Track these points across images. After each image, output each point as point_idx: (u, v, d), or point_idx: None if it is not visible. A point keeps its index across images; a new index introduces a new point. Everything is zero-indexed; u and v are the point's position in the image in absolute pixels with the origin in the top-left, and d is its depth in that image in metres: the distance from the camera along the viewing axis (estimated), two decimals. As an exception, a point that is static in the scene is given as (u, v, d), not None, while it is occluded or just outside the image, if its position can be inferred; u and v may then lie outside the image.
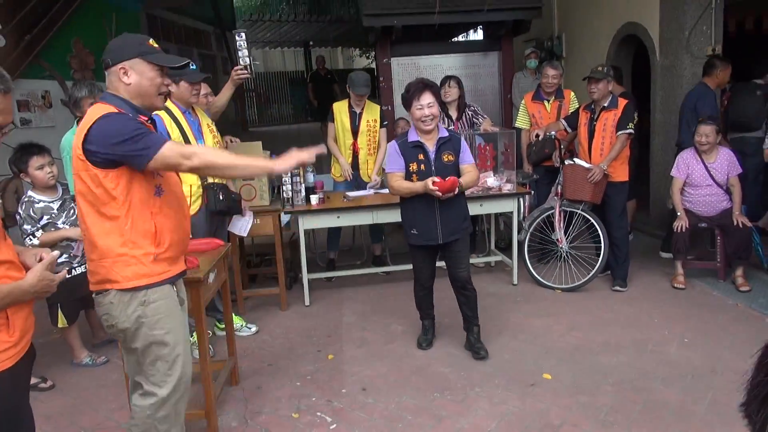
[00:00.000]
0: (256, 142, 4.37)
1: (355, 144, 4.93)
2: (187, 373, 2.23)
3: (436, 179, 3.21)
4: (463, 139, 3.49)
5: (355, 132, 4.90)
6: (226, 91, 4.10)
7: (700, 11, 5.20)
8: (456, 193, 3.27)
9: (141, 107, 2.13)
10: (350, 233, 5.92)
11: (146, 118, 2.13)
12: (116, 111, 2.01)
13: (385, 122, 5.04)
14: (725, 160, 4.40)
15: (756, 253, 4.45)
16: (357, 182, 5.02)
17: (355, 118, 4.90)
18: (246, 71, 3.80)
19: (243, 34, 3.80)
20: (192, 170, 2.13)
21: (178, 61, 2.21)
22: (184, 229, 2.24)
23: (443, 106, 4.83)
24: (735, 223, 4.29)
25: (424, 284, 3.62)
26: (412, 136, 3.42)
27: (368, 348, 3.72)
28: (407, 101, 3.34)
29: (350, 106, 4.92)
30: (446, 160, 3.36)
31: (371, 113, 4.93)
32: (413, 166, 3.38)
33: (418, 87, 3.30)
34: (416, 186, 3.30)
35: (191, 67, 3.48)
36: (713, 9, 5.19)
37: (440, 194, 3.21)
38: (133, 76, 2.08)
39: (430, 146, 3.39)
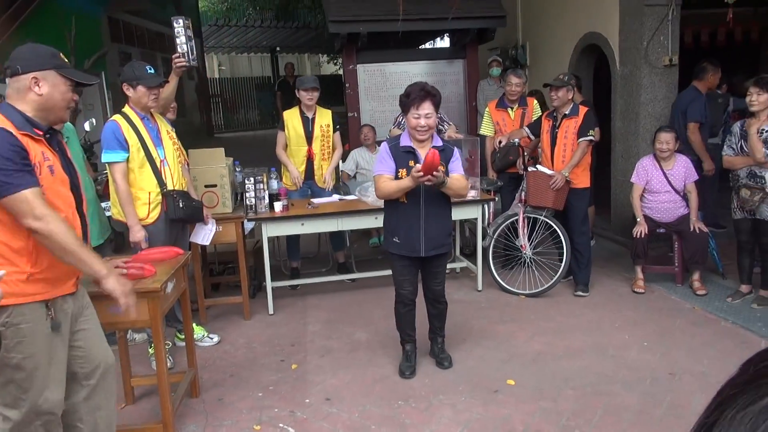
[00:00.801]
0: (219, 148, 4.31)
1: (309, 150, 4.87)
2: (50, 399, 2.08)
3: (419, 165, 2.98)
4: (457, 151, 3.28)
5: (309, 138, 4.84)
6: (171, 82, 3.85)
7: (657, 23, 5.34)
8: (442, 181, 3.01)
9: (41, 120, 2.06)
10: (315, 241, 5.87)
11: (42, 132, 2.05)
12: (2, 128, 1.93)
13: (338, 127, 4.97)
14: (682, 167, 4.51)
15: (712, 257, 4.57)
16: (312, 189, 4.99)
17: (308, 124, 4.84)
18: (183, 59, 3.59)
19: (181, 21, 3.57)
20: (31, 230, 1.96)
21: (90, 79, 2.19)
22: None
23: None
24: (692, 228, 4.40)
25: (405, 299, 3.35)
26: (405, 141, 3.21)
27: (332, 357, 3.68)
28: (405, 106, 3.16)
29: (302, 112, 4.86)
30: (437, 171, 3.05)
31: (324, 118, 4.88)
32: (402, 173, 3.15)
33: (419, 94, 3.09)
34: (404, 181, 3.06)
35: (149, 71, 3.41)
36: (670, 21, 5.34)
37: (426, 177, 2.93)
38: (45, 88, 2.03)
39: (423, 154, 3.14)
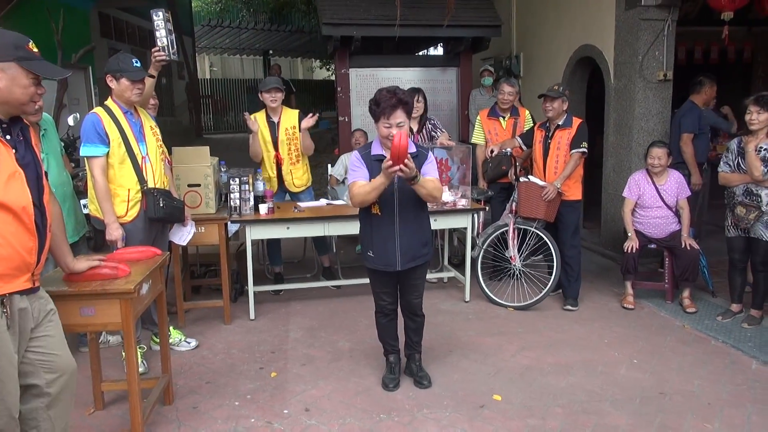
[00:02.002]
0: (204, 147, 4.19)
1: (277, 156, 4.73)
2: (7, 400, 1.94)
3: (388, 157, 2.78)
4: (431, 154, 3.11)
5: (275, 142, 4.69)
6: (149, 78, 3.72)
7: (653, 37, 5.32)
8: (414, 175, 2.80)
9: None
10: (300, 245, 5.76)
11: None
12: None
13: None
14: (675, 182, 4.46)
15: (702, 275, 4.52)
16: (284, 196, 4.87)
17: (274, 129, 4.69)
18: (163, 53, 3.46)
19: (160, 13, 3.44)
20: None
21: (59, 73, 2.05)
22: (21, 242, 1.96)
23: None
24: (683, 245, 4.34)
25: (385, 310, 3.24)
26: (376, 149, 3.03)
27: (314, 366, 3.56)
28: (375, 114, 2.95)
29: (268, 116, 4.71)
30: (410, 183, 2.89)
31: (289, 120, 4.71)
32: None
33: (390, 103, 2.87)
34: (377, 180, 2.87)
35: (135, 64, 3.29)
36: (665, 36, 5.31)
37: (397, 167, 2.72)
38: (3, 81, 1.90)
39: None
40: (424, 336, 3.41)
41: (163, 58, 3.47)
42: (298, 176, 4.81)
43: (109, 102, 3.33)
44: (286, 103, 6.20)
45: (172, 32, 3.49)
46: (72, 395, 2.23)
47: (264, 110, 4.74)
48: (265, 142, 4.70)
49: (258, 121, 4.69)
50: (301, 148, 4.75)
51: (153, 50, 3.48)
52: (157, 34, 3.46)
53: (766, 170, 3.81)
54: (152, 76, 3.54)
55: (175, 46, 3.53)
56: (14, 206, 1.93)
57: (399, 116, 2.89)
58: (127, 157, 3.29)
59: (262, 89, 4.67)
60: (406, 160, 2.72)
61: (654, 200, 4.45)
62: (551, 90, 4.33)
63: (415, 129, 4.85)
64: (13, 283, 1.96)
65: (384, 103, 2.89)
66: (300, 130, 4.68)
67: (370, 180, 2.97)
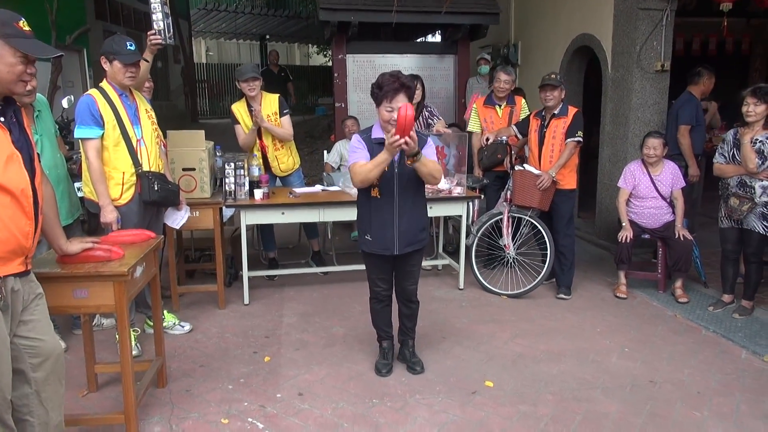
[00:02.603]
0: (199, 131, 4.17)
1: (261, 143, 4.70)
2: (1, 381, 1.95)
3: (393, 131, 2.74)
4: (430, 139, 3.11)
5: (258, 131, 4.64)
6: (143, 62, 3.72)
7: (651, 27, 5.30)
8: (417, 151, 2.81)
9: None
10: (295, 231, 5.75)
11: None
12: None
13: (286, 110, 4.68)
14: (669, 173, 4.47)
15: (695, 266, 4.54)
16: (274, 181, 4.86)
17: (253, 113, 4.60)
18: (159, 37, 3.40)
19: None
20: None
21: (49, 52, 2.01)
22: (19, 226, 1.96)
23: None
24: (677, 235, 4.36)
25: (380, 296, 3.26)
26: (377, 133, 3.04)
27: (307, 351, 3.57)
28: (378, 98, 2.95)
29: (248, 105, 4.63)
30: (410, 163, 2.90)
31: (270, 106, 4.64)
32: None
33: (392, 87, 2.87)
34: (380, 156, 2.85)
35: (129, 47, 3.25)
36: (664, 26, 5.30)
37: (402, 139, 2.71)
38: None
39: None
40: (417, 323, 3.42)
41: (159, 41, 3.42)
42: (284, 161, 4.79)
43: (104, 84, 3.30)
44: (284, 91, 6.11)
45: (169, 15, 3.44)
46: (60, 378, 2.23)
47: (243, 99, 4.67)
48: (249, 131, 4.64)
49: (240, 110, 4.64)
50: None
51: (149, 33, 3.43)
52: (154, 17, 3.41)
53: (760, 162, 3.82)
54: (146, 60, 3.50)
55: (172, 30, 3.48)
56: (13, 189, 1.92)
57: (401, 100, 2.88)
58: (121, 140, 3.26)
59: (239, 79, 4.56)
60: (411, 132, 2.72)
61: (649, 190, 4.46)
62: (550, 79, 4.31)
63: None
64: (8, 266, 1.96)
65: (387, 87, 2.89)
66: (281, 116, 4.63)
67: (370, 158, 2.96)
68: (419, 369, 3.29)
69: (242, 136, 4.65)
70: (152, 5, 3.40)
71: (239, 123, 4.64)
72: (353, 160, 3.01)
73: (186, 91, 15.55)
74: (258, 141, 4.69)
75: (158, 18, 3.40)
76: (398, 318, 3.39)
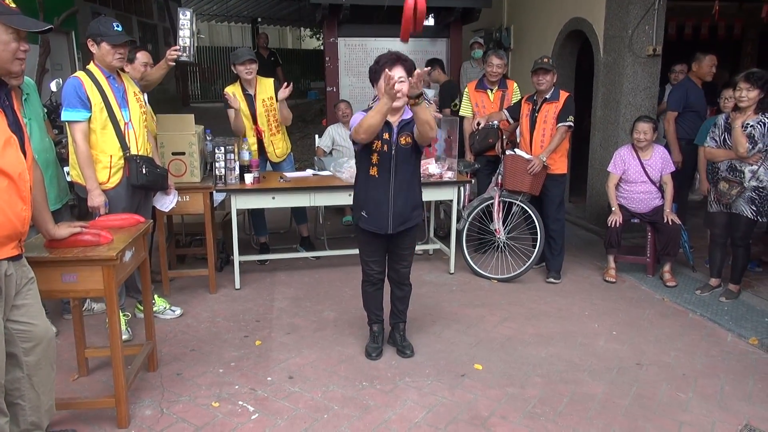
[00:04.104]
0: (189, 114, 4.14)
1: (257, 128, 4.69)
2: None
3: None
4: (426, 91, 3.24)
5: (253, 116, 4.64)
6: (159, 70, 3.84)
7: (643, 11, 5.28)
8: (419, 92, 2.80)
9: None
10: (286, 216, 5.75)
11: None
12: None
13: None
14: (659, 157, 4.48)
15: (683, 250, 4.58)
16: (266, 165, 4.84)
17: (251, 102, 4.62)
18: (183, 53, 3.44)
19: (188, 13, 3.45)
20: None
21: (39, 26, 1.99)
22: (15, 211, 1.96)
23: None
24: (665, 220, 4.38)
25: (372, 279, 3.28)
26: None
27: (298, 335, 3.59)
28: (376, 73, 2.96)
29: (243, 89, 4.62)
30: (404, 142, 3.02)
31: (265, 91, 4.63)
32: (377, 144, 3.01)
33: (390, 58, 2.92)
34: (381, 102, 2.81)
35: (116, 28, 3.21)
36: (656, 10, 5.28)
37: (404, 84, 2.79)
38: None
39: (395, 124, 3.04)
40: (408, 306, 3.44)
41: (178, 56, 3.48)
42: (279, 146, 4.79)
43: (91, 66, 3.27)
44: (273, 75, 6.06)
45: (195, 34, 3.49)
46: (51, 363, 2.24)
47: (238, 82, 4.64)
48: (245, 116, 4.63)
49: (235, 93, 4.61)
50: (279, 118, 4.70)
51: (171, 49, 3.48)
52: (180, 33, 3.45)
53: (750, 147, 3.84)
54: (133, 41, 3.50)
55: (195, 48, 3.54)
56: (11, 173, 1.92)
57: (398, 71, 2.89)
58: (109, 123, 3.24)
59: (235, 62, 4.54)
60: (416, 72, 2.75)
61: (638, 175, 4.48)
62: (543, 63, 4.30)
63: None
64: (3, 250, 1.96)
65: (383, 60, 2.94)
66: (277, 101, 4.62)
67: (370, 142, 2.99)
68: (409, 353, 3.31)
69: (234, 119, 4.63)
70: (181, 21, 3.44)
71: (231, 107, 4.59)
72: (354, 122, 3.00)
73: (177, 75, 15.40)
74: (254, 126, 4.67)
75: (185, 35, 3.46)
76: (390, 301, 3.41)
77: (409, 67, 2.95)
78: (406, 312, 3.42)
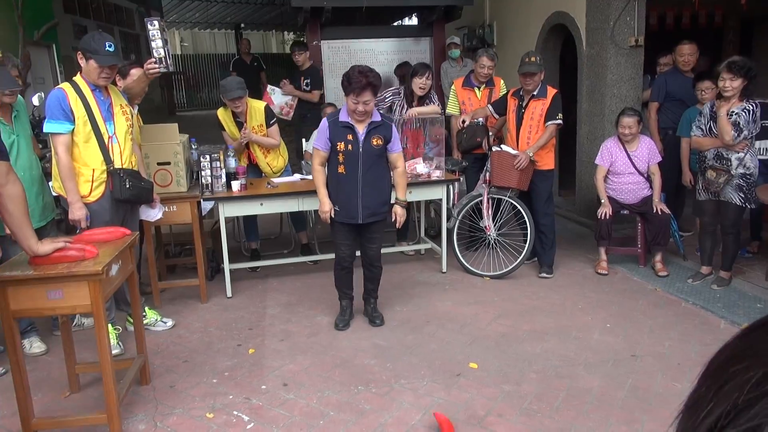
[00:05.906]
0: (173, 124, 4.10)
1: (249, 153, 4.67)
2: None
3: None
4: (394, 126, 3.56)
5: (246, 143, 4.60)
6: (139, 83, 3.70)
7: (624, 2, 5.30)
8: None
9: None
10: (277, 221, 5.72)
11: None
12: None
13: (273, 120, 4.63)
14: (646, 148, 4.49)
15: (674, 239, 4.59)
16: (260, 174, 4.82)
17: (242, 129, 4.53)
18: (160, 65, 3.38)
19: (156, 23, 3.37)
20: None
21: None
22: None
23: (411, 94, 4.75)
24: (655, 210, 4.39)
25: (343, 262, 3.67)
26: (344, 116, 3.45)
27: (291, 341, 3.56)
28: (346, 89, 3.33)
29: (234, 115, 4.57)
30: (375, 143, 3.44)
31: (255, 119, 4.54)
32: (341, 146, 3.43)
33: (360, 84, 3.25)
34: (320, 193, 3.56)
35: (108, 47, 3.16)
36: (636, 1, 5.30)
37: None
38: None
39: (360, 129, 3.44)
40: (400, 307, 3.49)
41: (157, 70, 3.42)
42: (275, 164, 4.76)
43: (77, 78, 3.23)
44: (257, 80, 6.00)
45: (168, 41, 3.44)
46: None
47: (229, 108, 4.57)
48: (237, 140, 4.57)
49: (225, 119, 4.59)
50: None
51: (147, 62, 3.43)
52: (153, 44, 3.39)
53: (736, 134, 3.85)
54: (129, 64, 3.49)
55: (171, 56, 3.49)
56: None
57: (366, 96, 3.29)
58: (92, 136, 3.20)
59: (225, 97, 4.43)
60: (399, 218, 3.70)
61: (626, 166, 4.49)
62: (531, 64, 4.26)
63: (414, 105, 4.83)
64: None
65: (355, 83, 3.27)
66: (267, 127, 4.58)
67: (331, 145, 3.45)
68: (379, 322, 3.68)
69: (230, 144, 4.60)
70: (150, 32, 3.37)
71: (225, 130, 4.61)
72: (315, 145, 3.54)
73: (162, 84, 15.32)
74: (246, 152, 4.67)
75: (158, 45, 3.39)
76: (363, 281, 3.77)
77: (377, 90, 3.37)
78: (376, 290, 3.80)
